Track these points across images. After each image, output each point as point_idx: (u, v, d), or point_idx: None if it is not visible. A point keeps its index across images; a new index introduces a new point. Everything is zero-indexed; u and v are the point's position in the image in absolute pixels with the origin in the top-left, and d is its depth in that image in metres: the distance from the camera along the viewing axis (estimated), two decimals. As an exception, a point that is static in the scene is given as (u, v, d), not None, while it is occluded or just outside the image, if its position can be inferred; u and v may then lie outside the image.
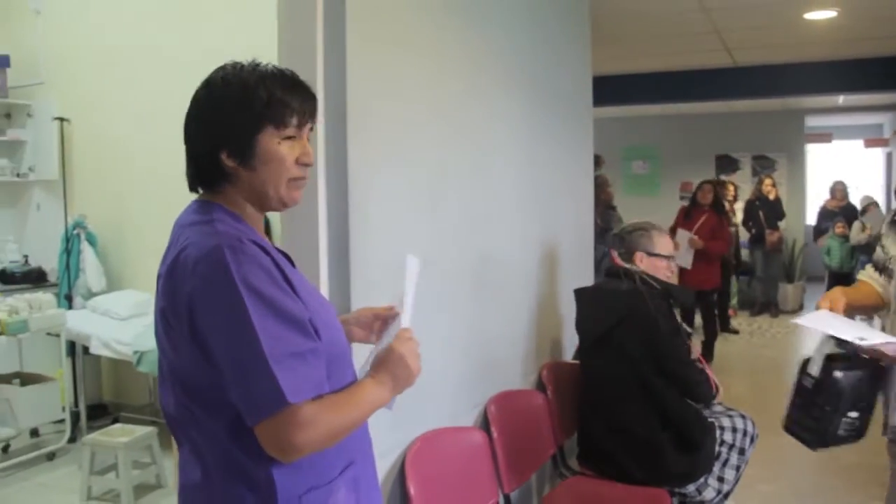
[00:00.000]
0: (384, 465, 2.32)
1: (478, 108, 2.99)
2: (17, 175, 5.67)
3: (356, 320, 1.71)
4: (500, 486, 2.76)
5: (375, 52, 2.29)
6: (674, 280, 3.28)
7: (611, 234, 5.30)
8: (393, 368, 1.48)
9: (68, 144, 5.59)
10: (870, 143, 13.21)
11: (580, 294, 3.33)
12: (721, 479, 3.14)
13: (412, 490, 2.30)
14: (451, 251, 2.76)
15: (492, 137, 3.11)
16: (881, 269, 2.35)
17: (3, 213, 5.83)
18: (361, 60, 2.20)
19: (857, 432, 2.17)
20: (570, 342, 3.96)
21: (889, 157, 12.70)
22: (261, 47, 1.92)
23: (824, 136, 12.80)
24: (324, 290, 2.14)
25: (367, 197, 2.24)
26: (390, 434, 2.31)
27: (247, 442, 1.31)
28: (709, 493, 3.07)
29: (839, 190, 9.87)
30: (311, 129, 1.47)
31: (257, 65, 1.43)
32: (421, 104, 2.57)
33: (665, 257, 3.22)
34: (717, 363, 6.93)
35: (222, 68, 1.43)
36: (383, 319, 1.68)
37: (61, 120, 5.54)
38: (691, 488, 3.04)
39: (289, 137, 1.40)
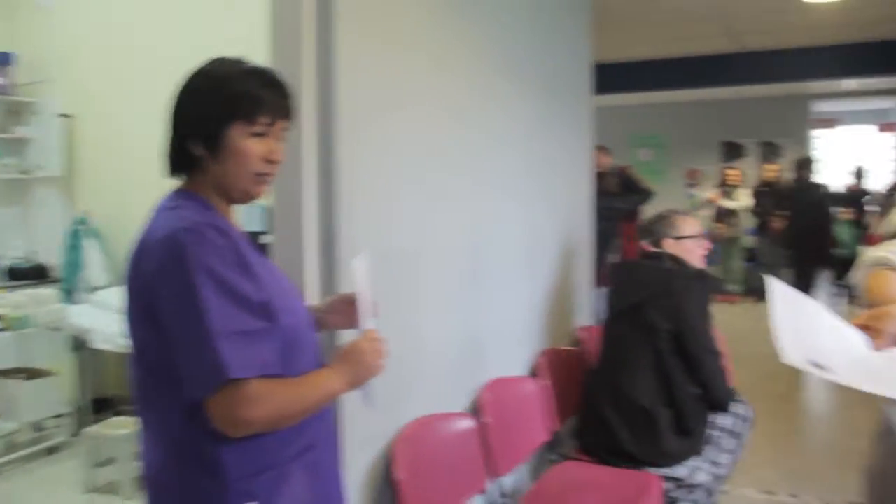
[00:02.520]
0: (372, 450, 2.34)
1: (475, 97, 3.00)
2: (22, 172, 5.71)
3: (330, 308, 1.74)
4: (491, 471, 2.77)
5: (367, 42, 2.30)
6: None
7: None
8: (353, 362, 1.51)
9: (73, 141, 5.62)
10: (885, 128, 13.13)
11: (617, 267, 3.45)
12: (716, 464, 3.14)
13: (401, 475, 2.31)
14: (445, 239, 2.77)
15: (489, 125, 3.12)
16: None
17: (8, 211, 5.87)
18: (352, 50, 2.21)
19: None
20: (566, 329, 3.97)
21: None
22: (264, 45, 1.94)
23: (829, 122, 12.73)
24: (311, 279, 2.15)
25: (356, 187, 2.25)
26: (379, 420, 2.32)
27: (200, 423, 1.34)
28: (702, 476, 3.06)
29: (859, 174, 9.86)
30: (286, 128, 1.50)
31: (240, 60, 1.48)
32: (415, 93, 2.58)
33: (692, 237, 3.26)
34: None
35: (208, 61, 1.49)
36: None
37: (66, 116, 5.57)
38: (683, 471, 3.04)
39: (258, 134, 1.44)
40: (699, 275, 3.19)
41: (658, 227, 3.28)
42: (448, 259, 2.80)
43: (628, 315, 3.15)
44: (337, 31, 2.15)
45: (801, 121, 11.47)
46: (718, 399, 3.14)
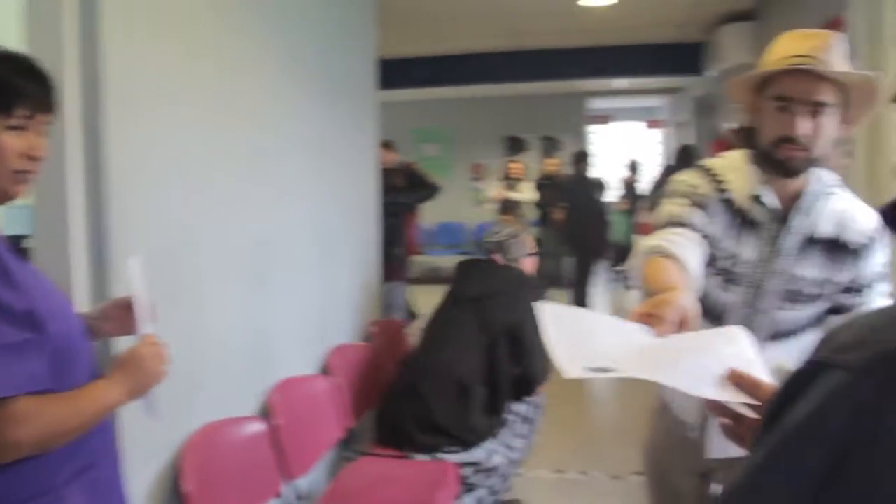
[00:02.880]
0: (157, 463, 2.21)
1: (260, 93, 2.90)
2: None
3: (103, 314, 1.61)
4: (286, 474, 2.70)
5: (139, 30, 2.13)
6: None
7: None
8: (132, 370, 1.41)
9: None
10: (651, 125, 14.32)
11: (467, 263, 3.74)
12: (510, 447, 3.28)
13: (189, 486, 2.19)
14: (228, 238, 2.65)
15: (273, 123, 3.03)
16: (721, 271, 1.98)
17: None
18: (122, 38, 2.04)
19: None
20: (357, 325, 3.95)
21: (667, 136, 13.75)
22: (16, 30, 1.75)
23: (603, 118, 13.66)
24: (79, 284, 1.98)
25: (128, 185, 2.09)
26: (164, 430, 2.19)
27: None
28: (497, 459, 3.21)
29: (634, 167, 10.58)
30: (48, 121, 1.36)
31: None
32: (195, 87, 2.44)
33: (533, 254, 3.75)
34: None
35: None
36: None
37: None
38: (481, 454, 3.15)
39: (17, 127, 1.29)
40: (534, 282, 3.64)
41: (515, 246, 3.67)
42: (232, 258, 2.68)
43: (470, 304, 3.43)
44: (103, 15, 1.99)
45: (577, 117, 12.13)
46: (536, 378, 3.43)
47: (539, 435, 3.60)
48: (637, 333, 1.36)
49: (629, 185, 10.40)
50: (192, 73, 2.43)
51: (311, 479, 3.07)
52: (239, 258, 2.74)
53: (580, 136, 12.01)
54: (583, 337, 1.31)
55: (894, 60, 2.96)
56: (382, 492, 2.93)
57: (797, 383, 0.67)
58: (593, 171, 8.42)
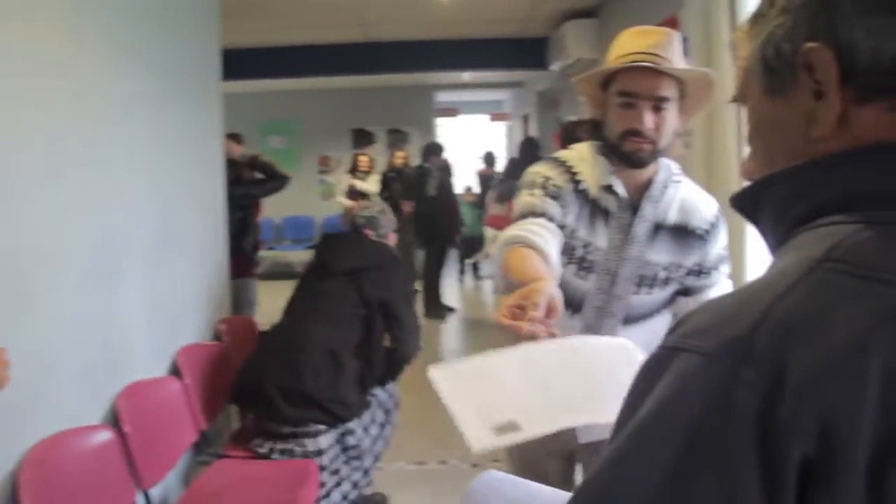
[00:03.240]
0: (-10, 483, 2.02)
1: (77, 88, 2.66)
2: None
3: None
4: (138, 483, 2.56)
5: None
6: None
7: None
8: None
9: None
10: (495, 118, 14.63)
11: (332, 236, 3.82)
12: (367, 431, 3.30)
13: (27, 505, 2.02)
14: (62, 239, 2.44)
15: (110, 116, 2.82)
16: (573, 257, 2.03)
17: None
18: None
19: None
20: (206, 323, 3.81)
21: (510, 129, 14.07)
22: None
23: (451, 111, 13.83)
24: None
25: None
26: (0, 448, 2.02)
27: None
28: (366, 442, 3.28)
29: (489, 159, 10.75)
30: None
31: None
32: (23, 85, 2.21)
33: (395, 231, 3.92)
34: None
35: None
36: None
37: None
38: (354, 428, 3.20)
39: None
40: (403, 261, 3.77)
41: (384, 222, 3.77)
42: (68, 259, 2.47)
43: (345, 276, 3.43)
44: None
45: (426, 110, 12.19)
46: (408, 352, 3.51)
47: (397, 429, 3.60)
48: (529, 363, 1.33)
49: (486, 178, 10.54)
50: (8, 51, 2.21)
51: (166, 486, 2.93)
52: (75, 258, 2.53)
53: (428, 129, 12.08)
54: (480, 393, 1.24)
55: (727, 61, 3.12)
56: (241, 494, 2.82)
57: (652, 370, 0.67)
58: (444, 164, 8.49)
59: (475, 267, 10.56)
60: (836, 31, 0.68)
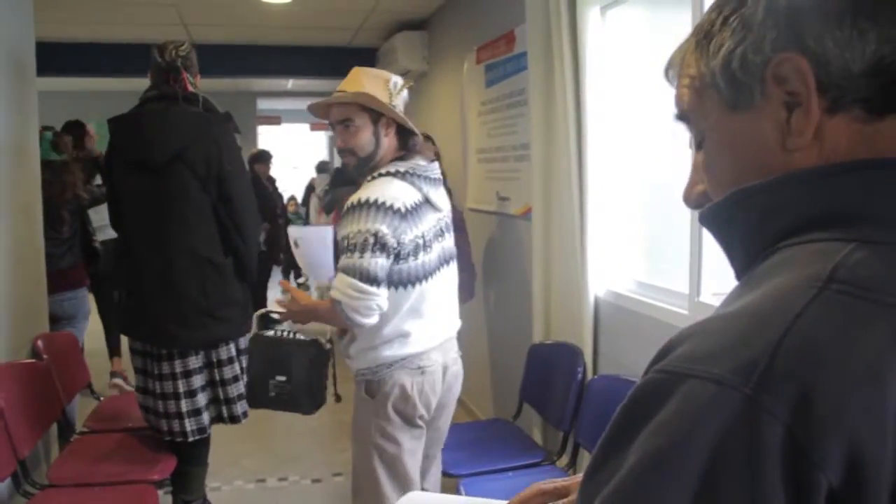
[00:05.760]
0: None
1: None
2: None
3: None
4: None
5: None
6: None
7: None
8: None
9: None
10: (315, 127, 14.48)
11: (124, 118, 3.21)
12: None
13: None
14: None
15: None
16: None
17: None
18: None
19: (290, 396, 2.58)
20: (24, 338, 3.48)
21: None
22: None
23: (274, 119, 13.55)
24: None
25: None
26: None
27: None
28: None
29: (323, 168, 10.69)
30: None
31: None
32: None
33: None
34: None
35: None
36: None
37: None
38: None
39: None
40: (228, 117, 3.29)
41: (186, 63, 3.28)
42: None
43: (168, 166, 3.04)
44: None
45: (249, 117, 11.86)
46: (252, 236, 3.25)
47: (237, 444, 3.45)
48: None
49: (313, 188, 10.39)
50: None
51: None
52: None
53: (251, 137, 11.76)
54: None
55: (567, 75, 3.20)
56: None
57: (650, 396, 0.63)
58: (269, 172, 8.28)
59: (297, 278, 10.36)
60: (806, 42, 0.68)
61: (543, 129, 3.51)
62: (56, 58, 6.19)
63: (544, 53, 3.45)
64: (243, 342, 3.26)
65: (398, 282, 2.39)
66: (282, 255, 8.41)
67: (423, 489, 2.59)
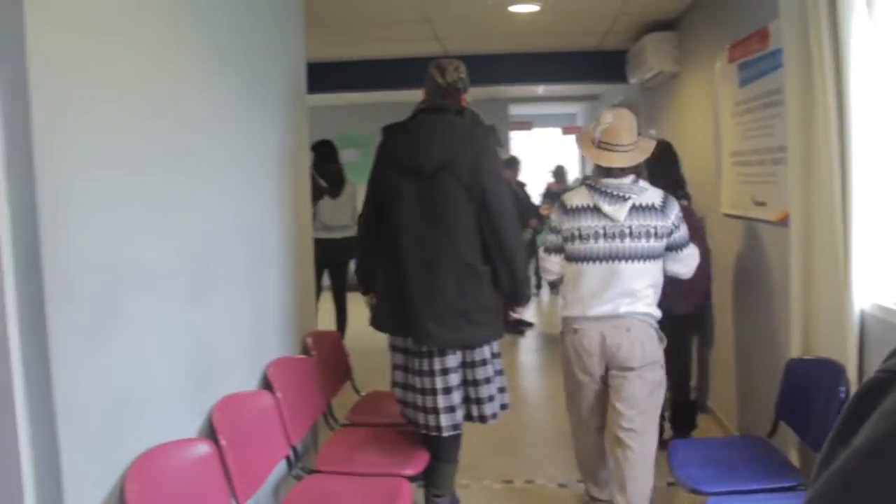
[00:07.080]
0: (99, 494, 2.05)
1: (195, 102, 2.73)
2: None
3: None
4: (233, 496, 2.57)
5: (64, 39, 1.97)
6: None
7: None
8: None
9: None
10: (567, 131, 14.50)
11: (398, 127, 3.42)
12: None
13: (132, 516, 2.05)
14: (161, 250, 2.47)
15: (209, 131, 2.86)
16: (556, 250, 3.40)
17: None
18: (46, 48, 1.86)
19: None
20: (296, 335, 3.82)
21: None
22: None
23: (525, 124, 13.75)
24: (10, 305, 1.82)
25: (62, 200, 1.92)
26: (104, 460, 2.05)
27: None
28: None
29: (559, 173, 10.63)
30: None
31: None
32: (122, 95, 2.24)
33: None
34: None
35: None
36: None
37: None
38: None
39: None
40: (492, 130, 3.43)
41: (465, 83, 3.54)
42: (168, 272, 2.51)
43: (434, 175, 3.23)
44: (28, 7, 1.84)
45: (501, 123, 12.15)
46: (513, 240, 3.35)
47: (483, 446, 3.56)
48: None
49: (553, 194, 10.45)
50: (112, 61, 2.25)
51: (257, 501, 2.94)
52: (175, 271, 2.57)
53: (504, 143, 12.03)
54: None
55: (826, 69, 3.00)
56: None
57: (874, 392, 0.63)
58: (520, 177, 8.44)
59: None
60: None
61: (802, 130, 3.30)
62: (321, 76, 6.70)
63: (801, 49, 3.25)
64: (496, 346, 3.38)
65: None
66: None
67: None
